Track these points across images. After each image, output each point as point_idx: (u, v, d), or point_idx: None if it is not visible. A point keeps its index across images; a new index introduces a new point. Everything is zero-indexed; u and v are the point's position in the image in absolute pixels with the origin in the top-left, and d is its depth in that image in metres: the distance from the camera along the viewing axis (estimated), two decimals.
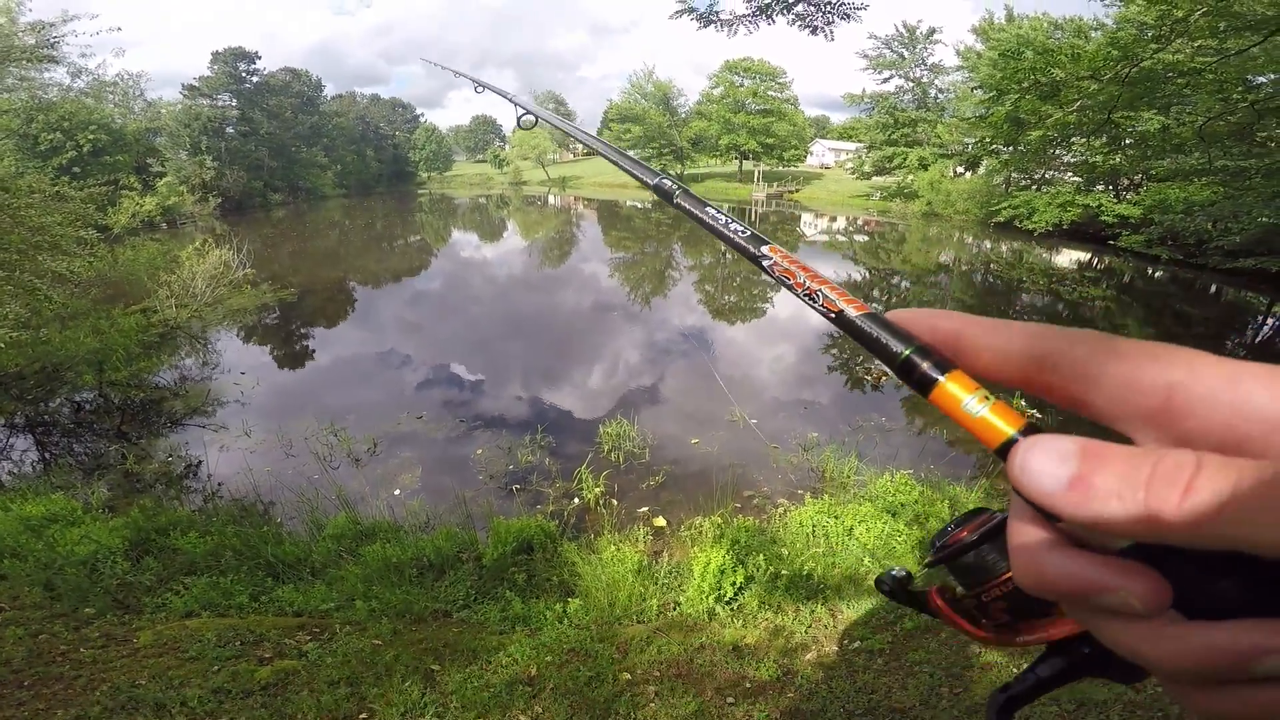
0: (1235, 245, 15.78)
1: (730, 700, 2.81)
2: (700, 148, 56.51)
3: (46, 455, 8.24)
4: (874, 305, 0.32)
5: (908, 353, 0.28)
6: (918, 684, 2.92)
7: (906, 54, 39.44)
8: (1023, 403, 8.08)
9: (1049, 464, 0.22)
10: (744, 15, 5.72)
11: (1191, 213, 16.55)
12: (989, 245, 27.67)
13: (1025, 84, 8.36)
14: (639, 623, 3.61)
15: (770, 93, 52.46)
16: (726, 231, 0.38)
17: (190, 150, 41.82)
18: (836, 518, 5.10)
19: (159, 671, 2.94)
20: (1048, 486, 0.21)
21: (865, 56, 40.03)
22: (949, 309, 0.30)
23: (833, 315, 0.31)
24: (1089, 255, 23.58)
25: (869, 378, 10.91)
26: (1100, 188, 25.10)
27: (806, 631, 3.48)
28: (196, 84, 44.58)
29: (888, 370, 0.29)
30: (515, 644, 3.11)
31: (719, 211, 0.39)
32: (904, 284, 21.32)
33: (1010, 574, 0.30)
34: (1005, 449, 0.24)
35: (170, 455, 8.12)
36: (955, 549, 0.33)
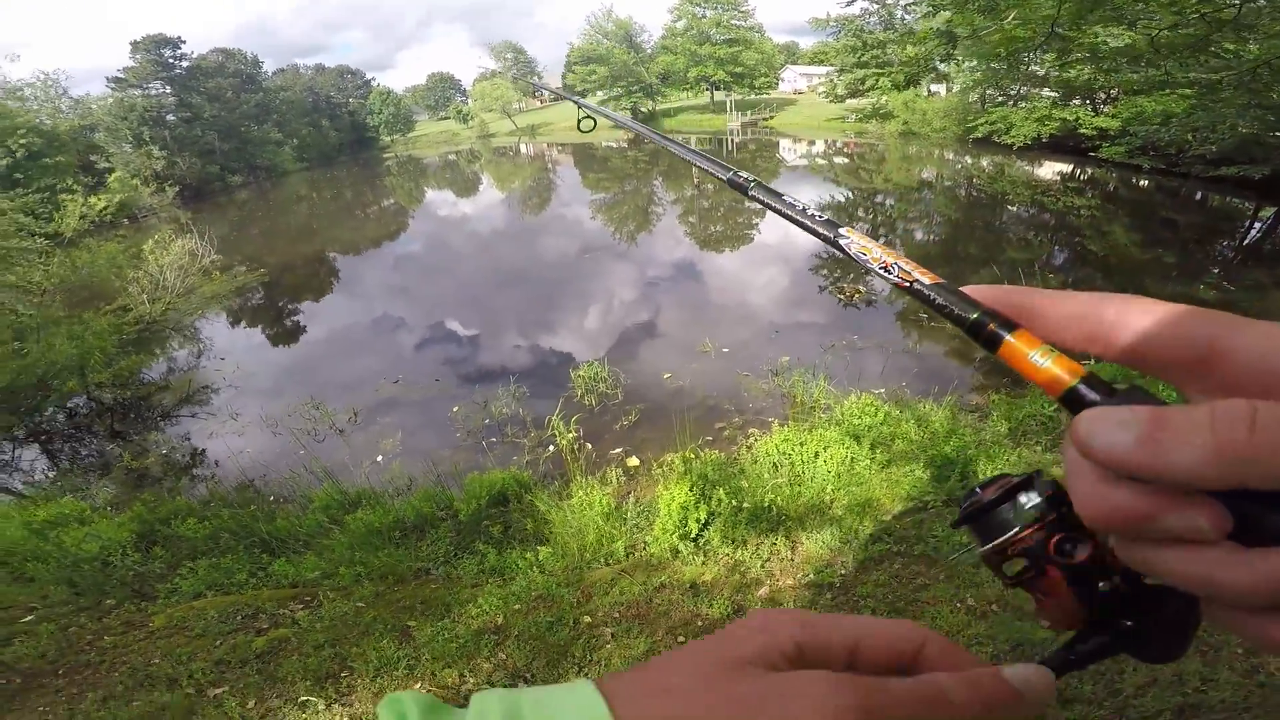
0: (1214, 154, 15.70)
1: (681, 639, 2.91)
2: (669, 82, 54.98)
3: (52, 462, 8.46)
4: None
5: (977, 315, 0.30)
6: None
7: None
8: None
9: (1113, 430, 0.23)
10: None
11: (1168, 123, 16.42)
12: (969, 160, 27.37)
13: None
14: (607, 565, 3.82)
15: (734, 22, 50.94)
16: (804, 219, 0.39)
17: (133, 143, 40.97)
18: (802, 445, 5.13)
19: (169, 650, 3.21)
20: (1118, 448, 0.23)
21: None
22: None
23: (907, 285, 0.34)
24: (1071, 167, 23.33)
25: (842, 295, 10.91)
26: (1076, 102, 24.64)
27: (762, 566, 3.58)
28: (122, 75, 43.33)
29: (955, 328, 0.31)
30: (486, 595, 3.33)
31: (794, 199, 0.41)
32: (888, 202, 21.22)
33: (1029, 531, 0.33)
34: (1068, 398, 0.27)
35: (165, 448, 8.35)
36: (979, 508, 0.34)
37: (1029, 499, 0.33)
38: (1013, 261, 11.95)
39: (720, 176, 0.51)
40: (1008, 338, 0.29)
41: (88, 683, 3.04)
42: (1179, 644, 0.32)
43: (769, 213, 0.43)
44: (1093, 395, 0.27)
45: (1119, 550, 0.28)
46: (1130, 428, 0.23)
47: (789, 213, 0.40)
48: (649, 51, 54.81)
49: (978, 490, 0.35)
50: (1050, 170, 23.44)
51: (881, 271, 0.35)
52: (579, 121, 1.23)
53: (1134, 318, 0.27)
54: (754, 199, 0.44)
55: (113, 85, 43.08)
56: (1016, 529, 0.33)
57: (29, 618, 3.89)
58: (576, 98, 1.34)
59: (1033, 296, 0.31)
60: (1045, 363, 0.28)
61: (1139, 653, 0.32)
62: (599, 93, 56.12)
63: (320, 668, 2.86)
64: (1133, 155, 19.61)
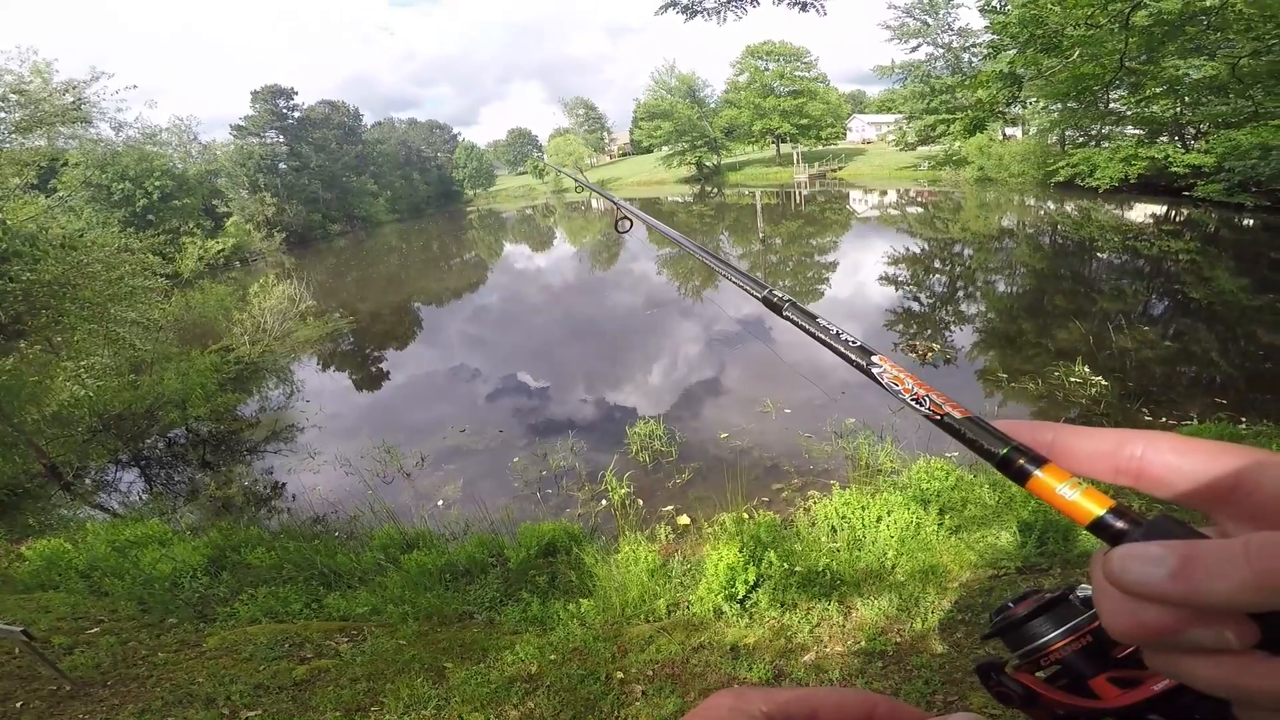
0: None
1: None
2: (734, 136, 55.97)
3: (148, 486, 9.24)
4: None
5: (1007, 450, 0.31)
6: (912, 689, 2.79)
7: (930, 20, 37.54)
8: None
9: (1146, 566, 0.24)
10: (727, 1, 5.78)
11: (1268, 157, 15.23)
12: (1052, 206, 26.25)
13: (1022, 38, 7.84)
14: (647, 622, 3.71)
15: (797, 73, 51.62)
16: (835, 343, 0.41)
17: (250, 188, 44.08)
18: (864, 509, 4.93)
19: (215, 671, 3.35)
20: (1151, 583, 0.24)
21: (888, 27, 38.37)
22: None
23: (937, 418, 0.35)
24: (1164, 208, 21.88)
25: (916, 354, 10.47)
26: (1164, 139, 23.28)
27: (810, 632, 3.41)
28: (243, 123, 47.03)
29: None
30: (523, 643, 3.31)
31: (829, 322, 0.42)
32: (966, 252, 20.44)
33: (1060, 644, 0.34)
34: (1096, 526, 0.28)
35: (248, 480, 8.94)
36: (1011, 621, 0.35)
37: (1049, 621, 0.34)
38: (1105, 312, 11.16)
39: (755, 295, 0.51)
40: (1036, 473, 0.30)
41: (130, 695, 3.21)
42: None
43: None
44: (1120, 524, 0.28)
45: (1148, 659, 0.28)
46: (1162, 563, 0.24)
47: (822, 336, 0.41)
48: (713, 106, 56.20)
49: (1008, 605, 0.37)
50: (1141, 213, 22.08)
51: (914, 404, 0.36)
52: (616, 222, 1.26)
53: (1161, 454, 0.29)
54: (788, 319, 0.45)
55: (234, 132, 46.86)
56: (1049, 645, 0.33)
57: (95, 629, 4.17)
58: (615, 197, 1.36)
59: (1060, 433, 0.32)
60: (1073, 495, 0.29)
61: None
62: (664, 147, 57.58)
63: (352, 700, 2.91)
64: (1233, 193, 18.23)
